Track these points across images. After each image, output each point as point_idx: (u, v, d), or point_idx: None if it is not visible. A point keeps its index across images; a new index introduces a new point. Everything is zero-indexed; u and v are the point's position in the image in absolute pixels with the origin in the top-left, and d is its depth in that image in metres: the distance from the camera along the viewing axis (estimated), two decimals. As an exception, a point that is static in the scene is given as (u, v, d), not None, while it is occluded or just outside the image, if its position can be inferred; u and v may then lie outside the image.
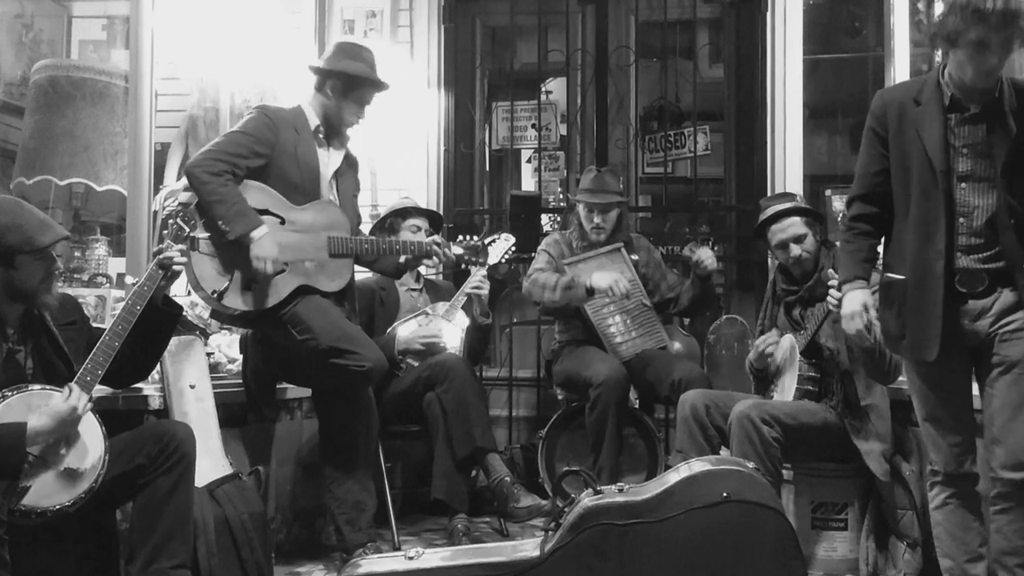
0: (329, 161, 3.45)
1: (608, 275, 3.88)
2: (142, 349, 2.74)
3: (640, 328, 4.04)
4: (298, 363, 3.32)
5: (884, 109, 2.71)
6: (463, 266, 3.64)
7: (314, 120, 3.40)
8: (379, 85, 3.45)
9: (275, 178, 3.28)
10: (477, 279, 3.88)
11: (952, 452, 2.65)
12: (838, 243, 2.87)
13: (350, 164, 3.56)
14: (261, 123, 3.28)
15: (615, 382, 3.70)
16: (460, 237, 3.61)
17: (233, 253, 3.16)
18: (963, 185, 2.56)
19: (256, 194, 3.23)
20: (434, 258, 3.53)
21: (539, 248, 4.16)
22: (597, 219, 4.04)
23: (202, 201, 3.13)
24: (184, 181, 4.25)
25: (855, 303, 2.72)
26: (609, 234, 4.07)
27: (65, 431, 2.41)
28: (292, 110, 3.42)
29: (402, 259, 3.63)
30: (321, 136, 3.41)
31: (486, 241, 3.66)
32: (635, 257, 4.11)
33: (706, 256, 3.93)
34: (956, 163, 2.56)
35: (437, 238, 3.59)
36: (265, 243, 3.12)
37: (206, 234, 3.12)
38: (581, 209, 4.09)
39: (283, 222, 3.26)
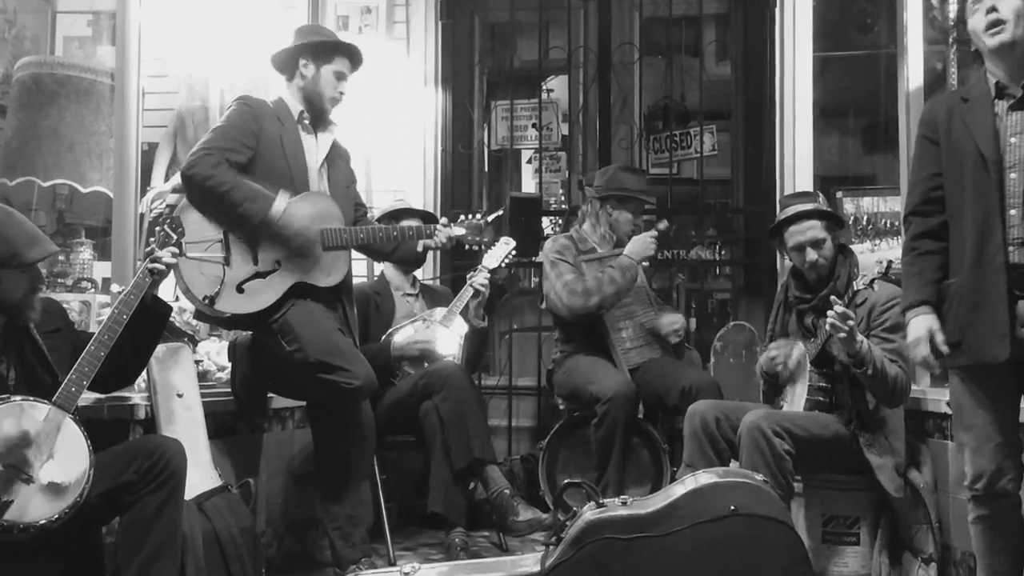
0: (317, 149, 3.44)
1: (641, 241, 3.94)
2: (132, 351, 2.74)
3: (647, 336, 4.05)
4: (287, 374, 3.32)
5: (933, 114, 2.73)
6: (466, 247, 3.60)
7: (296, 107, 3.40)
8: (349, 50, 3.45)
9: (262, 170, 3.26)
10: (483, 276, 3.87)
11: (987, 469, 2.58)
12: (901, 265, 2.80)
13: (340, 154, 3.55)
14: (244, 114, 3.28)
15: (624, 399, 3.69)
16: (461, 217, 3.58)
17: (222, 255, 3.17)
18: (1013, 175, 2.52)
19: None
20: (436, 239, 3.48)
21: (551, 258, 4.05)
22: (639, 220, 4.10)
23: (211, 196, 3.15)
24: (172, 182, 4.29)
25: (920, 329, 2.63)
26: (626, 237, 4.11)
27: (50, 458, 2.40)
28: (273, 101, 3.43)
29: (420, 246, 3.61)
30: (306, 122, 3.41)
31: (489, 218, 3.61)
32: (646, 264, 4.10)
33: (667, 325, 4.04)
34: (1006, 152, 2.54)
35: (443, 220, 3.56)
36: (294, 217, 3.18)
37: (193, 239, 3.12)
38: (622, 212, 4.08)
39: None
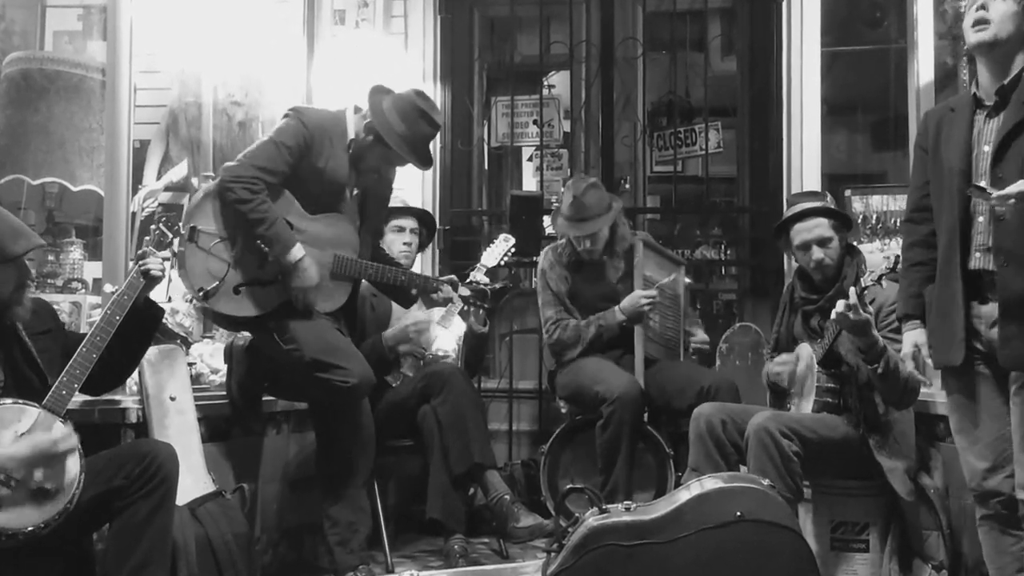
0: (358, 179, 3.43)
1: (634, 299, 3.92)
2: (121, 352, 2.74)
3: (667, 341, 4.06)
4: (284, 375, 3.32)
5: (927, 124, 2.85)
6: (466, 308, 3.69)
7: (350, 134, 3.38)
8: (413, 162, 3.41)
9: (294, 185, 3.28)
10: (482, 275, 3.87)
11: (977, 468, 2.65)
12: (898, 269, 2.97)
13: (384, 182, 3.56)
14: (298, 133, 3.26)
15: (631, 399, 3.68)
16: (469, 279, 3.64)
17: (230, 254, 3.18)
18: (981, 183, 2.60)
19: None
20: (439, 295, 3.52)
21: (539, 287, 4.15)
22: (586, 243, 4.05)
23: (239, 215, 3.17)
24: (164, 180, 4.29)
25: (907, 344, 2.83)
26: (602, 248, 4.07)
27: (40, 463, 2.40)
28: (333, 116, 3.40)
29: (413, 291, 3.61)
30: (352, 151, 3.39)
31: (497, 286, 3.67)
32: (688, 281, 4.21)
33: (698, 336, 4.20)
34: (978, 160, 2.64)
35: (453, 278, 3.58)
36: (309, 272, 3.19)
37: (208, 229, 3.14)
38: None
39: (291, 229, 3.26)
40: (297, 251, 3.18)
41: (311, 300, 3.24)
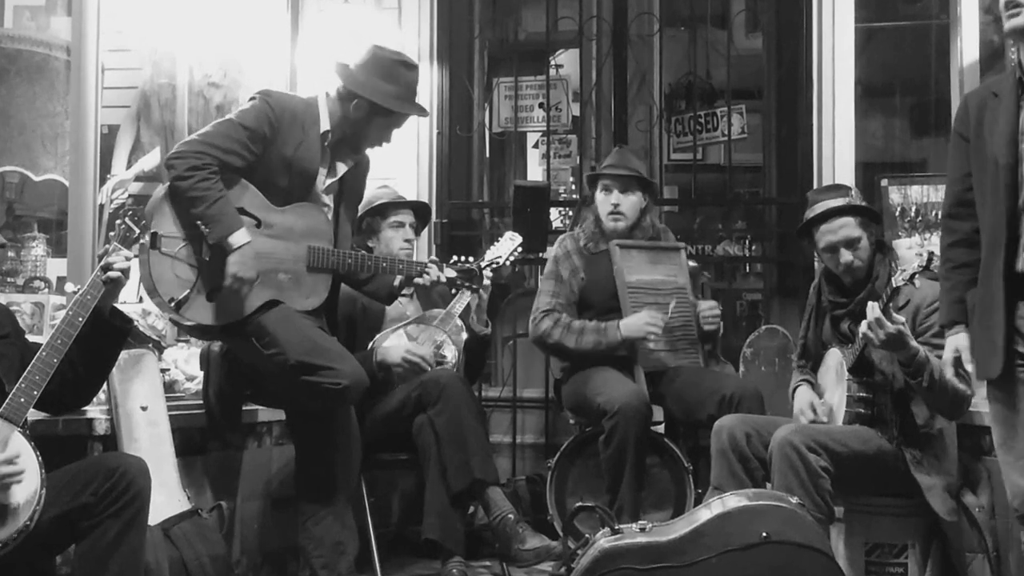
0: (332, 169, 3.44)
1: (638, 320, 3.88)
2: (85, 369, 2.74)
3: (676, 343, 4.04)
4: (266, 381, 3.32)
5: (966, 109, 2.81)
6: (452, 290, 3.67)
7: (325, 123, 3.39)
8: (416, 111, 3.46)
9: (261, 178, 3.28)
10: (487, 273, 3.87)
11: (1021, 486, 2.62)
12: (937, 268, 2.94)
13: (358, 175, 3.56)
14: (262, 117, 3.26)
15: (634, 410, 3.67)
16: (454, 258, 3.62)
17: (198, 257, 3.17)
18: None
19: (234, 188, 3.23)
20: (424, 278, 3.51)
21: (546, 270, 4.15)
22: (615, 199, 4.05)
23: (180, 197, 3.14)
24: (135, 169, 4.30)
25: (948, 350, 2.80)
26: (630, 224, 4.06)
27: None
28: (305, 101, 3.41)
29: (397, 281, 3.60)
30: (326, 144, 3.40)
31: (483, 264, 3.66)
32: (693, 264, 4.17)
33: (706, 310, 4.06)
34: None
35: (433, 258, 3.58)
36: (243, 259, 3.12)
37: (170, 232, 3.13)
38: (598, 192, 4.11)
39: (259, 224, 3.25)
40: (240, 236, 3.12)
41: (243, 293, 3.18)
